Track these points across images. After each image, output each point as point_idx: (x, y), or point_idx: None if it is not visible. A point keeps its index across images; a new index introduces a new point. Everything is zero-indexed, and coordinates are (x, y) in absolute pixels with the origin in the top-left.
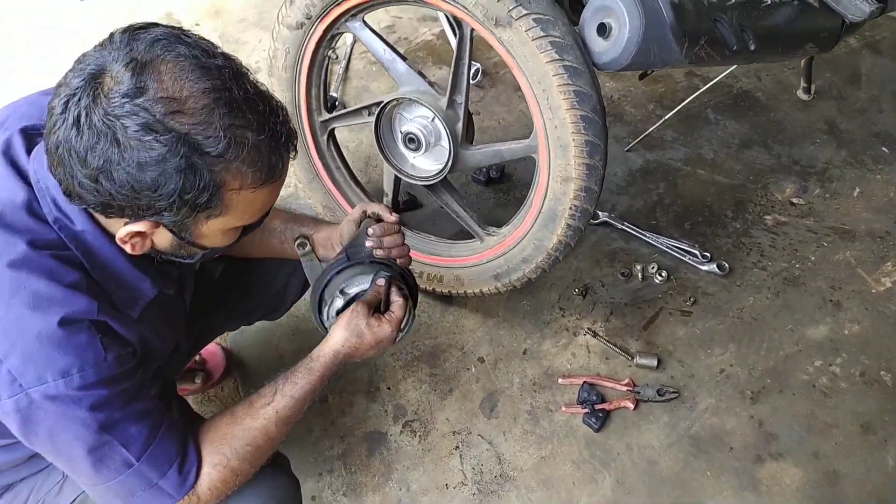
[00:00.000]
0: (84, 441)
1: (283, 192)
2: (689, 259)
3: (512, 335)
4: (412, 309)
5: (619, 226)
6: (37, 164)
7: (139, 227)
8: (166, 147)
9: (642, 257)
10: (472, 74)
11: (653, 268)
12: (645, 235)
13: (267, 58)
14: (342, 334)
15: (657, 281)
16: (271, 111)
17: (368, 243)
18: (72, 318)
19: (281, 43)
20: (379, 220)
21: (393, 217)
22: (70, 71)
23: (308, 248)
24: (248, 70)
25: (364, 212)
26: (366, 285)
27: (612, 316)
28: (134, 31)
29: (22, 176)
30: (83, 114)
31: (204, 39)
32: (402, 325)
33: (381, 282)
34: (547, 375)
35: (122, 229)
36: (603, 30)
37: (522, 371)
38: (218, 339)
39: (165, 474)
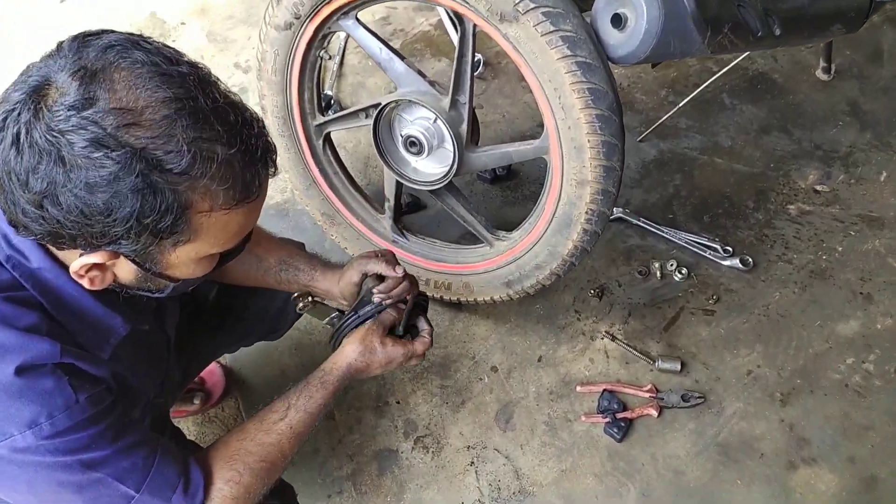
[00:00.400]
0: (72, 484)
1: (279, 198)
2: (710, 254)
3: (525, 342)
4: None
5: (635, 221)
6: None
7: (95, 258)
8: (119, 164)
9: (660, 254)
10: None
11: (672, 265)
12: (662, 231)
13: (255, 58)
14: (357, 348)
15: (677, 279)
16: (244, 122)
17: (376, 299)
18: (30, 364)
19: (269, 45)
20: (380, 277)
21: (398, 272)
22: (11, 85)
23: (308, 301)
24: (217, 78)
25: (364, 273)
26: None
27: (630, 318)
28: (85, 38)
29: None
30: (23, 131)
31: (168, 47)
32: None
33: (402, 306)
34: (564, 383)
35: (76, 262)
36: (618, 21)
37: (538, 379)
38: None
39: (170, 500)
